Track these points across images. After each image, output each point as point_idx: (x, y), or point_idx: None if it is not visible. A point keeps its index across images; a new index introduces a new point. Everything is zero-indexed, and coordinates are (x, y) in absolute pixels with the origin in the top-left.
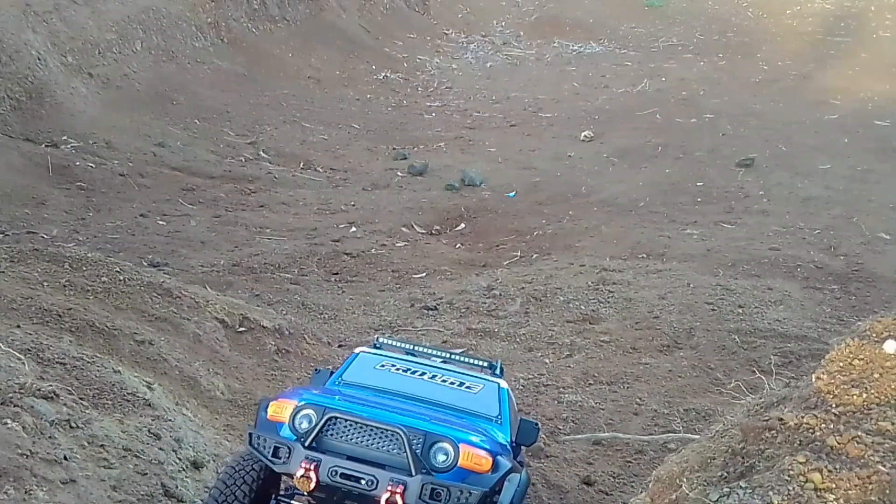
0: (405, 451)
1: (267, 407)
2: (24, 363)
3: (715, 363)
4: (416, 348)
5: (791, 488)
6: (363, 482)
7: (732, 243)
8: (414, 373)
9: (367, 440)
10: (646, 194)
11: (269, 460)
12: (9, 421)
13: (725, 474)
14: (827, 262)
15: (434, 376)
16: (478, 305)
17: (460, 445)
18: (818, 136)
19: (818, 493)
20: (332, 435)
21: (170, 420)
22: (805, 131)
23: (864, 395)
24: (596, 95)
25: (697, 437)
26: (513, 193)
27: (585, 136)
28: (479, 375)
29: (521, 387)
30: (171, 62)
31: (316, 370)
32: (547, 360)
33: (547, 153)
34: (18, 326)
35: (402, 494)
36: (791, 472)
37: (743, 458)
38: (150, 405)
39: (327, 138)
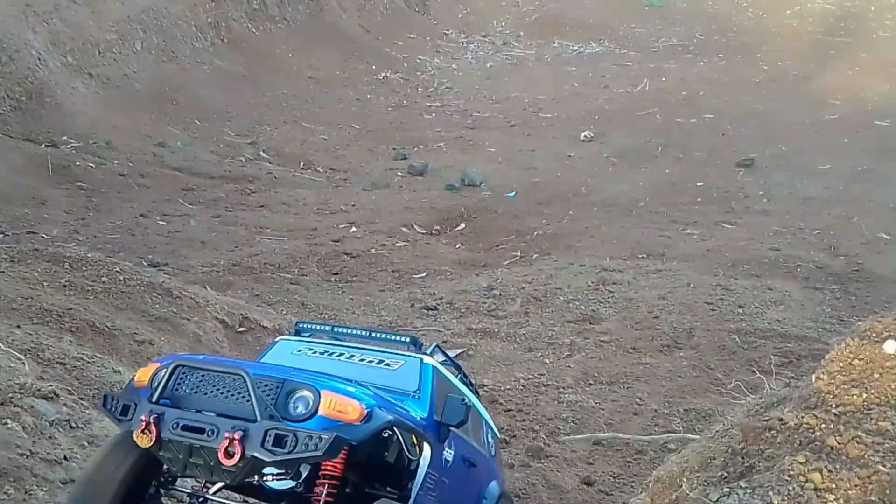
0: (250, 396)
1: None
2: (24, 363)
3: (715, 363)
4: (335, 329)
5: (791, 488)
6: (206, 433)
7: (732, 243)
8: (332, 355)
9: (217, 391)
10: (646, 194)
11: (117, 419)
12: (9, 421)
13: (725, 474)
14: (827, 262)
15: (352, 356)
16: (478, 305)
17: (322, 392)
18: (818, 136)
19: (818, 493)
20: (183, 389)
21: None
22: (805, 131)
23: (864, 395)
24: (596, 95)
25: (697, 437)
26: (513, 193)
27: (585, 136)
28: (402, 353)
29: (521, 387)
30: (171, 62)
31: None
32: (547, 360)
33: (547, 153)
34: (18, 326)
35: (241, 441)
36: (791, 472)
37: (743, 458)
38: None
39: (327, 138)
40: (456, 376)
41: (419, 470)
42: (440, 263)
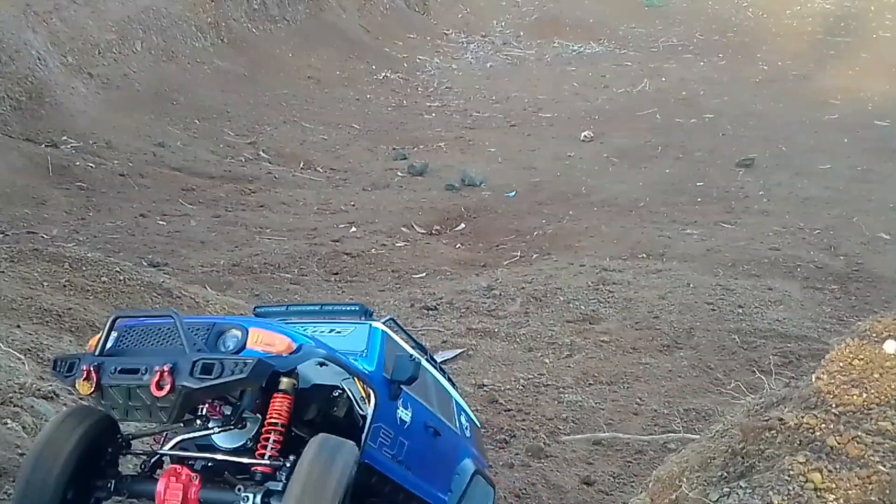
0: (180, 336)
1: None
2: (24, 363)
3: (715, 363)
4: (290, 308)
5: (791, 488)
6: (139, 372)
7: (732, 243)
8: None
9: (153, 340)
10: (646, 194)
11: (63, 377)
12: (9, 421)
13: (725, 474)
14: (827, 262)
15: (305, 330)
16: (478, 305)
17: (250, 329)
18: (818, 136)
19: (818, 493)
20: (124, 343)
21: None
22: (805, 131)
23: (864, 395)
24: (596, 95)
25: (697, 437)
26: (513, 193)
27: (585, 136)
28: (354, 322)
29: (521, 387)
30: (171, 62)
31: None
32: (547, 360)
33: (547, 153)
34: (18, 326)
35: (171, 373)
36: (791, 472)
37: (743, 458)
38: None
39: (327, 138)
40: (423, 357)
41: (367, 420)
42: (440, 263)
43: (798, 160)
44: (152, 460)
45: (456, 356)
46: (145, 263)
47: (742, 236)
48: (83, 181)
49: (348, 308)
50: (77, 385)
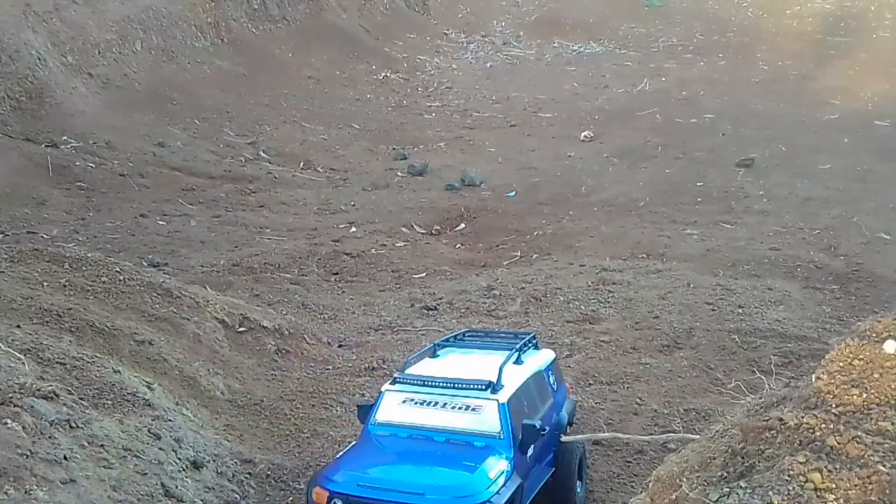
0: None
1: (311, 493)
2: (24, 363)
3: (715, 363)
4: (426, 380)
5: (791, 488)
6: None
7: (732, 243)
8: (430, 405)
9: None
10: (646, 194)
11: None
12: (9, 421)
13: (725, 474)
14: (827, 262)
15: (445, 405)
16: (478, 305)
17: None
18: (818, 136)
19: (818, 493)
20: None
21: (170, 420)
22: (805, 131)
23: (864, 395)
24: (596, 95)
25: (697, 437)
26: (513, 193)
27: (585, 136)
28: (480, 396)
29: None
30: (171, 62)
31: (359, 406)
32: None
33: (547, 153)
34: (18, 326)
35: None
36: (791, 472)
37: (743, 458)
38: (150, 405)
39: (327, 138)
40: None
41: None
42: (440, 263)
43: (798, 160)
44: None
45: None
46: (145, 263)
47: (742, 236)
48: (83, 181)
49: (481, 385)
50: None
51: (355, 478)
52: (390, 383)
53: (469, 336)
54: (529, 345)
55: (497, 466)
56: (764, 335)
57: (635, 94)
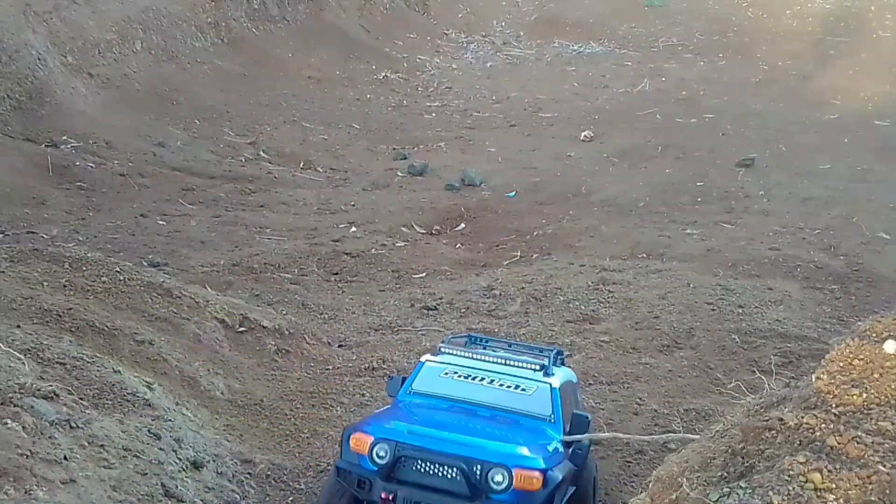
0: (465, 482)
1: (349, 439)
2: (24, 363)
3: (715, 363)
4: (474, 354)
5: (791, 488)
6: None
7: (732, 243)
8: (475, 379)
9: (434, 471)
10: (646, 194)
11: (355, 490)
12: (9, 421)
13: (725, 474)
14: (827, 262)
15: (492, 381)
16: (478, 305)
17: (514, 470)
18: (818, 136)
19: (818, 493)
20: (404, 467)
21: (170, 420)
22: (805, 131)
23: (864, 395)
24: (596, 95)
25: (697, 437)
26: (513, 193)
27: (585, 136)
28: (531, 377)
29: None
30: (171, 62)
31: (389, 377)
32: None
33: (547, 153)
34: (18, 326)
35: None
36: (791, 472)
37: (743, 458)
38: (150, 405)
39: (327, 138)
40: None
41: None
42: (440, 263)
43: (798, 160)
44: None
45: None
46: (145, 263)
47: (742, 236)
48: (83, 181)
49: (535, 365)
50: None
51: (404, 427)
52: (433, 354)
53: (491, 344)
54: (560, 356)
55: (552, 444)
56: (764, 335)
57: (635, 94)
